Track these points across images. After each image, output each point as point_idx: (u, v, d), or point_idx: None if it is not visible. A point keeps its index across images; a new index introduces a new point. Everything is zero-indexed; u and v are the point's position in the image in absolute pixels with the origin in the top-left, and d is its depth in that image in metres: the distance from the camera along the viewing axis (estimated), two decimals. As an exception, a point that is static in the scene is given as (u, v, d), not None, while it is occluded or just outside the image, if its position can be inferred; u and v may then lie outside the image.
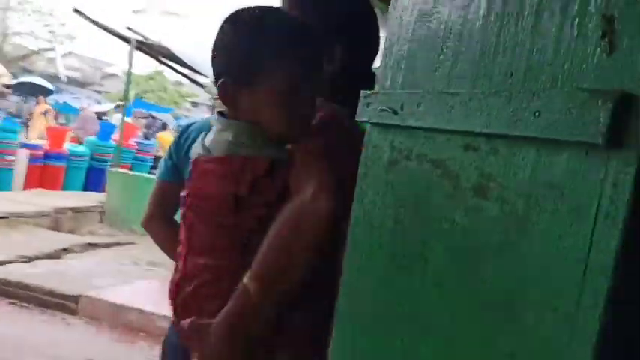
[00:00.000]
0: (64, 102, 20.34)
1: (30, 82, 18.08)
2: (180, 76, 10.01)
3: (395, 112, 0.71)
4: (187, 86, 22.27)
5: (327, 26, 1.29)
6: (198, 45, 5.72)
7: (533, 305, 0.55)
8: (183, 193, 1.38)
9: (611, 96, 0.48)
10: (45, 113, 14.11)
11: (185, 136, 1.78)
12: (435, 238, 0.66)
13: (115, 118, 15.53)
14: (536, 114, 0.54)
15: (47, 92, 17.06)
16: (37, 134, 11.16)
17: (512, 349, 0.56)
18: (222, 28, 1.27)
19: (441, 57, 0.68)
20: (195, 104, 28.18)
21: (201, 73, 7.88)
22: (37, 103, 14.80)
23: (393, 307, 0.71)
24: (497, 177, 0.59)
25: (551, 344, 0.52)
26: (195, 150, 1.32)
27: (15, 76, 21.12)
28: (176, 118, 19.59)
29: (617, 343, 0.49)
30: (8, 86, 17.68)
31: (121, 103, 17.22)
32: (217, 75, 1.27)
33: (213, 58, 1.29)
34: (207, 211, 1.28)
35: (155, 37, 7.75)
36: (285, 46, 1.22)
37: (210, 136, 1.29)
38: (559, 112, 0.52)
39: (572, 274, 0.51)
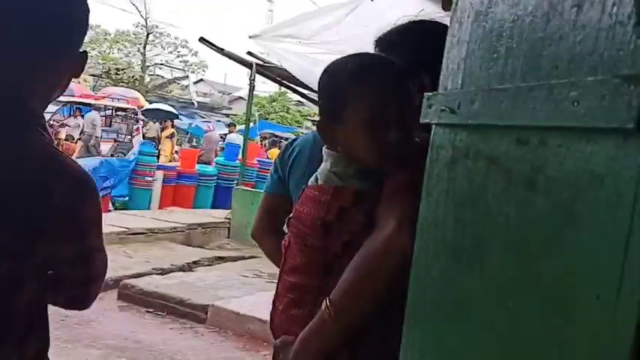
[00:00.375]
0: (196, 125, 21.73)
1: (157, 109, 19.59)
2: (301, 97, 10.34)
3: (453, 112, 0.73)
4: (308, 106, 22.89)
5: (416, 59, 1.36)
6: (315, 64, 5.90)
7: (579, 294, 0.54)
8: (288, 216, 1.50)
9: (642, 80, 0.47)
10: (171, 137, 15.17)
11: (290, 151, 1.87)
12: (491, 233, 0.67)
13: (229, 138, 16.42)
14: (575, 103, 0.54)
15: (173, 117, 18.36)
16: (165, 156, 12.05)
17: (561, 340, 0.56)
18: (322, 74, 1.41)
19: (494, 55, 0.69)
20: (315, 123, 28.82)
21: (316, 92, 8.09)
22: (165, 128, 15.91)
23: (455, 303, 0.72)
24: (545, 169, 0.60)
25: (596, 332, 0.52)
26: (312, 178, 1.44)
27: (151, 103, 22.93)
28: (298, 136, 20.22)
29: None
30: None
31: (232, 124, 18.14)
32: (319, 115, 1.44)
33: (317, 100, 1.46)
34: (301, 232, 1.38)
35: (274, 59, 8.10)
36: (363, 81, 1.33)
37: (321, 166, 1.42)
38: (595, 99, 0.52)
39: (614, 261, 0.50)
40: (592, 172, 0.54)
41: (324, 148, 1.43)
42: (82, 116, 15.61)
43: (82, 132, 14.63)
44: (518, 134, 0.64)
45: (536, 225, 0.61)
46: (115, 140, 17.09)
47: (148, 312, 5.32)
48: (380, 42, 1.58)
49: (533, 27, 0.64)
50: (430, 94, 0.81)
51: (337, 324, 1.23)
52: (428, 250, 0.80)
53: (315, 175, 1.43)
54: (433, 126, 0.81)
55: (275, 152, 13.23)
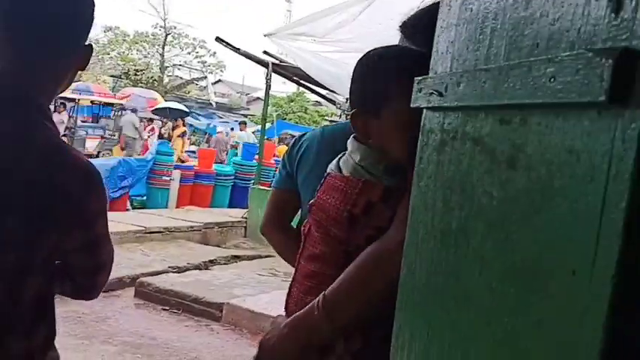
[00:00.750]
0: (214, 126, 21.84)
1: (168, 107, 19.62)
2: (318, 96, 10.36)
3: (441, 94, 0.73)
4: (326, 106, 22.89)
5: None
6: (331, 63, 5.91)
7: (556, 271, 0.54)
8: (310, 202, 1.50)
9: (614, 53, 0.47)
10: (182, 135, 15.25)
11: (298, 147, 1.88)
12: (476, 214, 0.67)
13: (238, 135, 16.52)
14: (552, 79, 0.54)
15: (184, 115, 18.38)
16: (176, 155, 12.13)
17: (540, 317, 0.56)
18: (358, 65, 1.40)
19: (480, 37, 0.69)
20: (333, 122, 28.85)
21: (333, 91, 8.11)
22: (176, 126, 15.93)
23: (442, 284, 0.73)
24: (525, 147, 0.60)
25: (573, 309, 0.52)
26: (331, 165, 1.44)
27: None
28: (316, 136, 20.19)
29: (635, 306, 0.48)
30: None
31: (242, 123, 18.22)
32: (352, 105, 1.41)
33: (350, 90, 1.42)
34: (324, 221, 1.38)
35: (290, 58, 8.12)
36: (404, 81, 1.31)
37: (344, 156, 1.41)
38: (570, 74, 0.51)
39: (588, 236, 0.50)
40: (569, 148, 0.54)
41: (351, 139, 1.42)
42: (67, 112, 15.66)
43: (67, 128, 14.72)
44: (501, 114, 0.64)
45: (516, 203, 0.61)
46: (102, 137, 16.88)
47: (164, 309, 5.37)
48: (404, 27, 1.55)
49: (516, 6, 0.64)
50: (420, 78, 0.81)
51: (324, 322, 1.24)
52: (418, 235, 0.80)
53: (335, 163, 1.42)
54: (424, 110, 0.81)
55: (283, 149, 13.29)
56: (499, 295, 0.62)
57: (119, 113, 17.40)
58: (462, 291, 0.69)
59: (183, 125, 16.14)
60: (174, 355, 4.37)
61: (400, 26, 1.54)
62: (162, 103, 20.34)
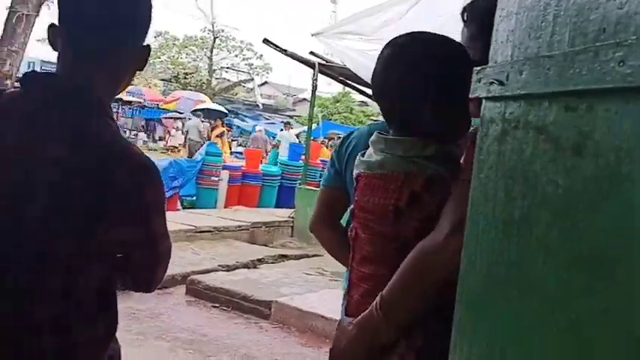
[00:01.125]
0: (258, 128, 22.00)
1: (207, 108, 19.86)
2: (364, 96, 10.34)
3: (502, 83, 0.73)
4: (372, 106, 22.83)
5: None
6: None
7: (624, 258, 0.54)
8: (351, 207, 1.51)
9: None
10: (221, 135, 15.38)
11: (346, 145, 1.89)
12: (540, 203, 0.66)
13: (280, 135, 16.62)
14: (621, 64, 0.53)
15: (222, 116, 18.57)
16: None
17: (606, 305, 0.55)
18: (393, 54, 1.42)
19: (542, 23, 0.69)
20: (378, 122, 28.71)
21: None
22: (215, 127, 16.06)
23: (504, 274, 0.72)
24: (593, 134, 0.59)
25: (642, 297, 0.51)
26: (357, 166, 1.46)
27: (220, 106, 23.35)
28: (362, 137, 20.13)
29: None
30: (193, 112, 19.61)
31: (286, 123, 18.31)
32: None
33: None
34: (369, 222, 1.39)
35: (337, 58, 8.13)
36: (434, 62, 1.36)
37: (372, 155, 1.42)
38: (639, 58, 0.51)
39: (660, 222, 0.49)
40: (639, 134, 0.53)
41: (379, 137, 1.43)
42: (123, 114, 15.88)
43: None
44: (566, 101, 0.63)
45: (583, 191, 0.60)
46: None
47: (214, 307, 5.46)
48: (463, 12, 1.52)
49: (581, -8, 0.63)
50: (479, 68, 0.80)
51: (385, 320, 1.26)
52: (478, 226, 0.79)
53: (359, 161, 1.44)
54: (483, 100, 0.81)
55: (326, 152, 13.37)
56: (564, 284, 0.61)
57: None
58: (524, 280, 0.68)
59: (223, 126, 16.29)
60: (225, 352, 4.44)
61: (463, 9, 1.52)
62: (201, 105, 20.60)
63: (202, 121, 16.69)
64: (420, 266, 1.22)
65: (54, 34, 1.27)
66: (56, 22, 1.28)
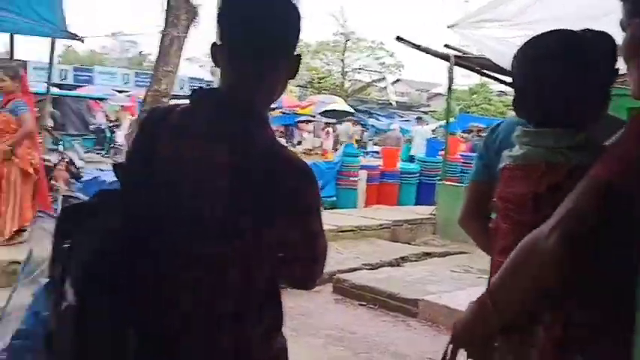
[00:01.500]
0: (392, 126, 21.92)
1: (333, 110, 19.97)
2: (504, 85, 9.95)
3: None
4: (511, 94, 21.84)
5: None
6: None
7: None
8: (494, 199, 1.52)
9: None
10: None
11: (494, 136, 1.85)
12: None
13: (414, 130, 16.33)
14: None
15: (349, 116, 18.56)
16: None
17: None
18: (532, 48, 1.49)
19: None
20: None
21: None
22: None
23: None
24: None
25: None
26: (502, 160, 1.50)
27: (354, 108, 23.64)
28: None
29: None
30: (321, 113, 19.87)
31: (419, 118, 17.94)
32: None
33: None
34: (509, 211, 1.43)
35: (473, 49, 7.91)
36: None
37: (516, 147, 1.47)
38: None
39: None
40: None
41: (523, 130, 1.46)
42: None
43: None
44: None
45: None
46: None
47: (361, 305, 5.54)
48: None
49: None
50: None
51: (494, 307, 1.25)
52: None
53: (507, 159, 1.47)
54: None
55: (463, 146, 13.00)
56: None
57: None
58: None
59: (354, 125, 16.34)
60: (375, 349, 4.49)
61: None
62: (329, 106, 20.85)
63: (353, 125, 16.95)
64: (522, 257, 1.21)
65: (216, 52, 1.38)
66: (217, 41, 1.38)
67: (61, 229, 1.36)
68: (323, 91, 30.14)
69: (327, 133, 16.03)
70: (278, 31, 1.37)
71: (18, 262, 5.08)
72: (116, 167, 1.42)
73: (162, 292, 1.32)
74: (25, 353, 1.51)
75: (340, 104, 21.71)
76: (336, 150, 13.58)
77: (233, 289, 1.32)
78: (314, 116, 20.13)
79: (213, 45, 1.38)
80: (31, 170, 5.84)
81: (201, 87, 1.44)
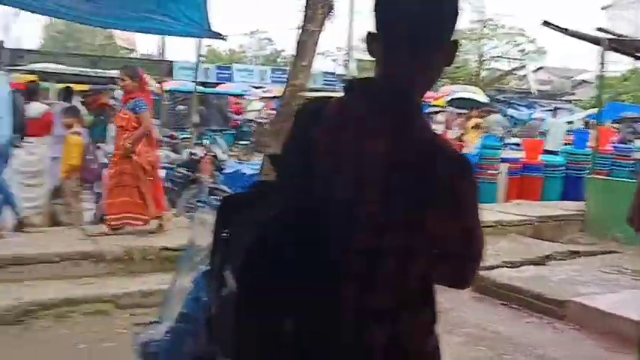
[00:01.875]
0: (533, 116, 20.69)
1: (461, 98, 18.80)
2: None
3: None
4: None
5: None
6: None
7: None
8: None
9: None
10: (476, 127, 14.21)
11: None
12: None
13: (548, 122, 15.15)
14: None
15: (480, 105, 17.45)
16: (470, 147, 11.44)
17: None
18: None
19: None
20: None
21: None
22: (469, 117, 15.05)
23: None
24: None
25: None
26: None
27: (491, 98, 22.63)
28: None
29: None
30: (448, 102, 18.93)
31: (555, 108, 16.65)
32: None
33: None
34: None
35: (631, 30, 7.26)
36: None
37: None
38: None
39: None
40: None
41: None
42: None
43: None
44: None
45: None
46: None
47: (503, 304, 5.31)
48: None
49: None
50: None
51: None
52: None
53: None
54: None
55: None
56: None
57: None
58: None
59: (479, 116, 15.19)
60: (519, 351, 4.28)
61: None
62: (454, 94, 19.90)
63: (505, 116, 16.13)
64: None
65: (371, 41, 1.35)
66: (373, 31, 1.35)
67: (221, 219, 1.40)
68: (458, 81, 29.29)
69: (461, 124, 15.32)
70: (435, 19, 1.32)
71: (168, 249, 5.52)
72: (272, 159, 1.45)
73: (318, 284, 1.32)
74: (187, 337, 1.59)
75: (478, 94, 20.83)
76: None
77: (389, 284, 1.29)
78: (444, 107, 19.51)
79: (369, 34, 1.35)
80: (148, 167, 6.13)
81: (355, 78, 1.42)
